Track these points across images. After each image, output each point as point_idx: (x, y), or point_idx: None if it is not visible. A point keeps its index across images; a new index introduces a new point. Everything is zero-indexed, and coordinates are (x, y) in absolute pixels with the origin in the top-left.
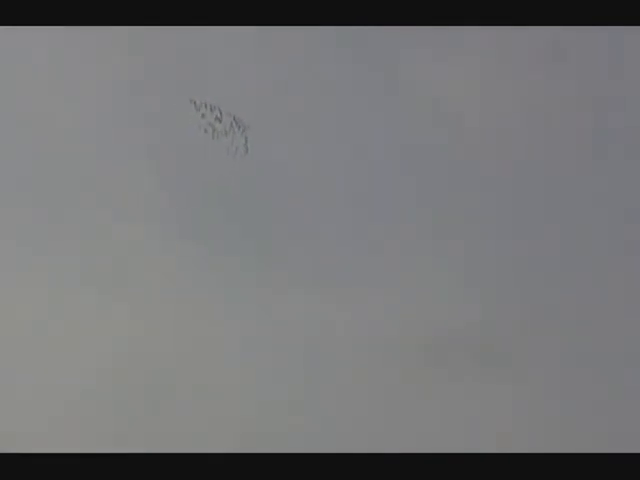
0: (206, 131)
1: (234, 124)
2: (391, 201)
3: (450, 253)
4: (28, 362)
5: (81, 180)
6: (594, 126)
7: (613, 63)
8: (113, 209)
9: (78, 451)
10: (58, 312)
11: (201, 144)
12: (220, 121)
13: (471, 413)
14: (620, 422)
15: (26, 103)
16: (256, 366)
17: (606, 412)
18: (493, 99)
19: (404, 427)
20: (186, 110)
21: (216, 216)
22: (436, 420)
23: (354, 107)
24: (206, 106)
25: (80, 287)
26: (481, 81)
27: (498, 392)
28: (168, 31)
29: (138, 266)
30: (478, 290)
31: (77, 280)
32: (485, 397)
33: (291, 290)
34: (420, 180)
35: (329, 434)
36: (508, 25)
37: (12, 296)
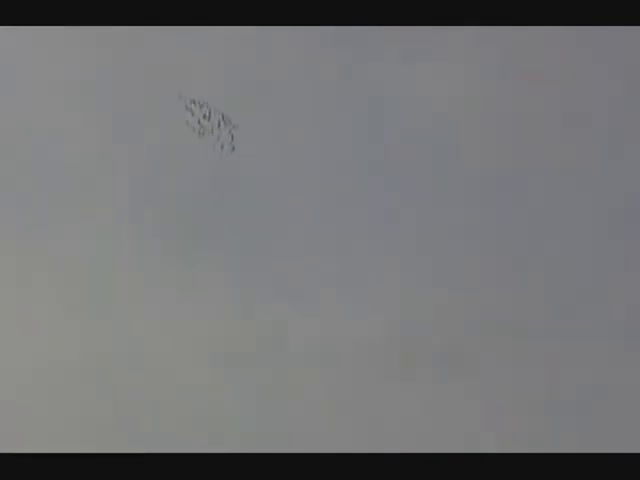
0: (194, 129)
1: (222, 122)
2: (371, 204)
3: (417, 262)
4: None
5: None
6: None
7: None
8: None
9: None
10: None
11: (187, 141)
12: (209, 119)
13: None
14: (569, 421)
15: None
16: (210, 366)
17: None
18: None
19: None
20: (173, 107)
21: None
22: (397, 421)
23: (341, 111)
24: (195, 103)
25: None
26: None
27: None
28: (156, 30)
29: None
30: (446, 294)
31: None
32: (447, 398)
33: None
34: (404, 184)
35: (289, 435)
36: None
37: None
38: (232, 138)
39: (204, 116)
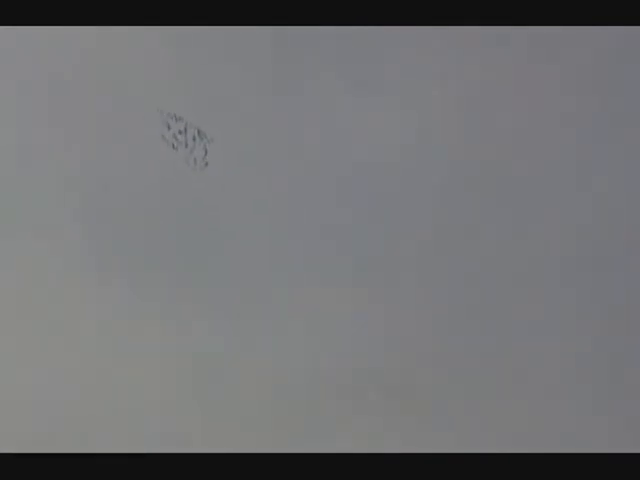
0: (169, 142)
1: (197, 136)
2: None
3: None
4: None
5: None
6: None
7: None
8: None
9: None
10: None
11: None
12: (185, 133)
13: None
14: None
15: None
16: (169, 383)
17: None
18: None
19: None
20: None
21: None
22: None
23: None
24: (172, 117)
25: None
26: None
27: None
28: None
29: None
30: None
31: None
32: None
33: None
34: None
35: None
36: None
37: None
38: (206, 153)
39: (179, 131)
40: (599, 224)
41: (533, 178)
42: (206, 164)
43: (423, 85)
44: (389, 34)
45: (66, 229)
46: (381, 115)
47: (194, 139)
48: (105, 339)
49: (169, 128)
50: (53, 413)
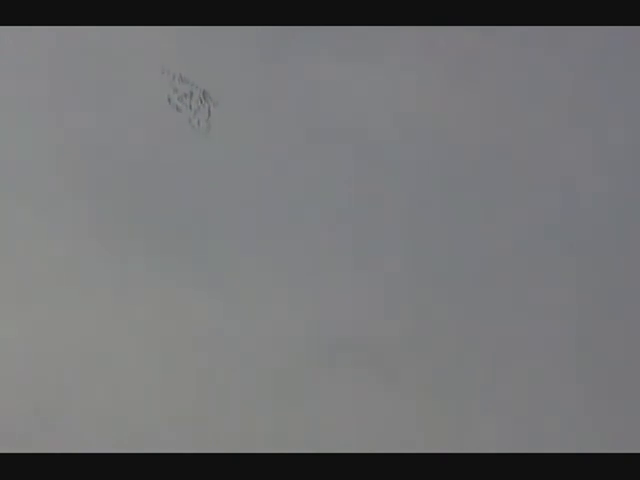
0: (170, 100)
1: (202, 98)
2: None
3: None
4: None
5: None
6: None
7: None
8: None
9: None
10: None
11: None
12: (191, 96)
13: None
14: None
15: None
16: (147, 363)
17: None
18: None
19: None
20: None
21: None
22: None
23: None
24: (178, 78)
25: None
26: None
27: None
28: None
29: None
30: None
31: None
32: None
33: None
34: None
35: (216, 435)
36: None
37: None
38: (209, 115)
39: (185, 95)
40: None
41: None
42: (209, 127)
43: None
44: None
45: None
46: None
47: (200, 101)
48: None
49: (175, 90)
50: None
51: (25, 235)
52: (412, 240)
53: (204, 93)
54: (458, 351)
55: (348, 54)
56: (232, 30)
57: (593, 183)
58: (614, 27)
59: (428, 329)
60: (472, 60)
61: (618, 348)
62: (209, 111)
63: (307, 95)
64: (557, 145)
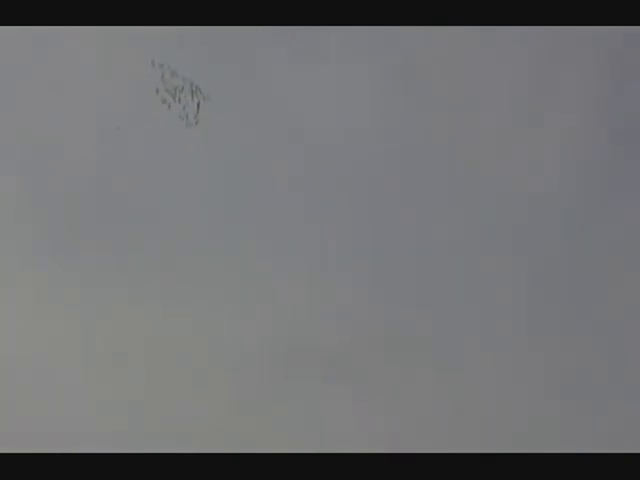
0: (157, 92)
1: (193, 92)
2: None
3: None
4: None
5: None
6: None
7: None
8: None
9: None
10: None
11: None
12: (181, 89)
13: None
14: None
15: None
16: (98, 365)
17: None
18: None
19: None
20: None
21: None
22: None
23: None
24: (169, 71)
25: None
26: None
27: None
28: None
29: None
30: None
31: None
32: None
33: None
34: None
35: (170, 434)
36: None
37: None
38: (198, 109)
39: (175, 88)
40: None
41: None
42: (197, 122)
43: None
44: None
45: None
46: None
47: (192, 95)
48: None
49: (164, 83)
50: None
51: None
52: (364, 240)
53: (196, 87)
54: (410, 351)
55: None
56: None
57: (533, 183)
58: (550, 27)
59: (380, 330)
60: (420, 60)
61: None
62: (198, 105)
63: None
64: (497, 144)
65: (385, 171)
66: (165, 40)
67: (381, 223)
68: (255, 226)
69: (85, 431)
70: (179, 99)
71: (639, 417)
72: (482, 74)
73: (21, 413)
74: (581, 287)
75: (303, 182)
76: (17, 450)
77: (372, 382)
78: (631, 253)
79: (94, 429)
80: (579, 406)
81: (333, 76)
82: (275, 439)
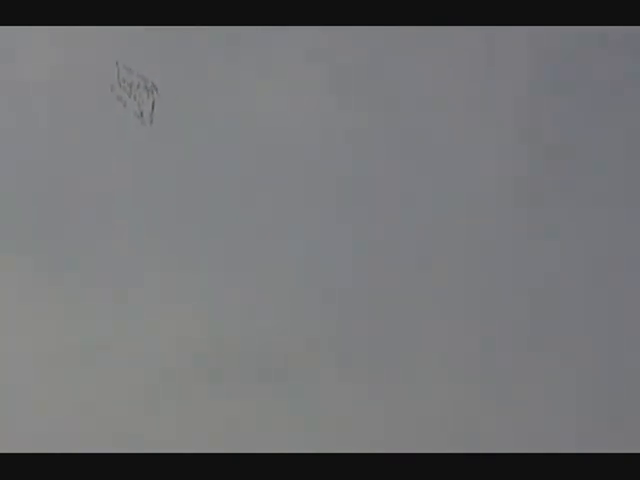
0: (112, 89)
1: (148, 89)
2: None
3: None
4: None
5: None
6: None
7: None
8: None
9: None
10: None
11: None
12: (137, 86)
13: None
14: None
15: None
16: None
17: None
18: None
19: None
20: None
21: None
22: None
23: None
24: (126, 68)
25: None
26: None
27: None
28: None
29: None
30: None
31: None
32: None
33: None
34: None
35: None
36: None
37: None
38: (153, 108)
39: (130, 85)
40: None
41: None
42: (151, 121)
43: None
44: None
45: None
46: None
47: (148, 94)
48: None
49: (120, 80)
50: None
51: None
52: (325, 249)
53: (152, 85)
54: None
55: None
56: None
57: (483, 186)
58: (499, 27)
59: (317, 331)
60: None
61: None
62: (153, 104)
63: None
64: (449, 151)
65: (347, 170)
66: (121, 38)
67: (349, 219)
68: (206, 229)
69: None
70: (134, 96)
71: (639, 417)
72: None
73: None
74: (505, 299)
75: (256, 182)
76: None
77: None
78: (566, 268)
79: (41, 430)
80: (579, 406)
81: (285, 75)
82: (202, 440)
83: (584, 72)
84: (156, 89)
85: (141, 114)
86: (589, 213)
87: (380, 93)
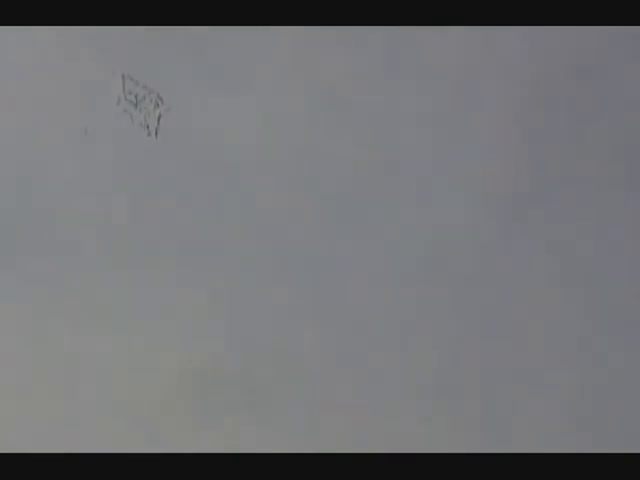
0: (119, 102)
1: (156, 102)
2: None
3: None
4: None
5: None
6: None
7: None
8: None
9: None
10: None
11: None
12: (143, 98)
13: None
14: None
15: None
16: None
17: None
18: None
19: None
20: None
21: None
22: None
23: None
24: (132, 79)
25: None
26: None
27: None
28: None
29: None
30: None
31: None
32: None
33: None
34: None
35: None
36: None
37: None
38: (158, 121)
39: (136, 96)
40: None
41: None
42: (156, 134)
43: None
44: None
45: None
46: None
47: (155, 106)
48: None
49: (126, 92)
50: None
51: None
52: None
53: (158, 97)
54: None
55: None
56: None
57: (450, 199)
58: (499, 27)
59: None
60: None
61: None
62: (159, 116)
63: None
64: (449, 151)
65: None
66: (127, 46)
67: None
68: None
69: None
70: (140, 109)
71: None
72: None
73: None
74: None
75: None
76: None
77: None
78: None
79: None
80: (579, 405)
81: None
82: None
83: (584, 72)
84: (162, 101)
85: (147, 126)
86: (590, 213)
87: (380, 93)
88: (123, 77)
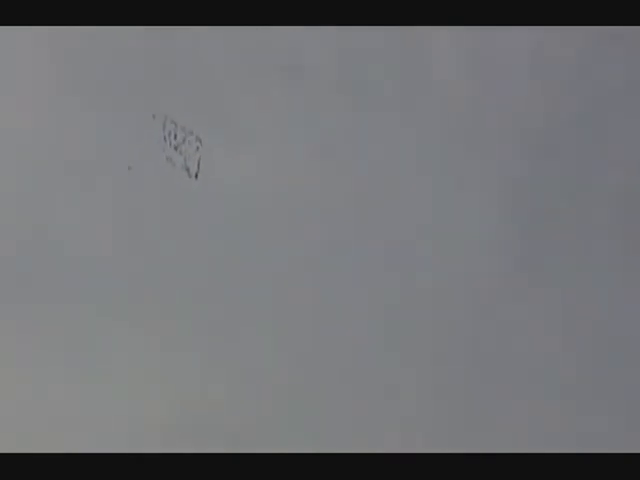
0: (164, 150)
1: (196, 144)
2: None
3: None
4: None
5: None
6: None
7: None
8: None
9: None
10: None
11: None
12: (183, 141)
13: None
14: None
15: None
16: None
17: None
18: None
19: None
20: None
21: None
22: None
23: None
24: (172, 123)
25: None
26: None
27: None
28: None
29: None
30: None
31: None
32: None
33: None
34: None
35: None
36: None
37: None
38: (199, 165)
39: (175, 136)
40: None
41: None
42: (196, 176)
43: None
44: None
45: None
46: None
47: (197, 149)
48: None
49: (170, 138)
50: None
51: None
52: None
53: (198, 139)
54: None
55: None
56: None
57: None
58: (499, 27)
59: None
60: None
61: None
62: (199, 161)
63: None
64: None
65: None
66: (168, 91)
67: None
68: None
69: None
70: (180, 151)
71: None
72: None
73: None
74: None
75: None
76: None
77: None
78: None
79: None
80: (578, 406)
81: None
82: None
83: (584, 72)
84: (201, 143)
85: (188, 169)
86: (590, 213)
87: (379, 93)
88: (165, 120)
